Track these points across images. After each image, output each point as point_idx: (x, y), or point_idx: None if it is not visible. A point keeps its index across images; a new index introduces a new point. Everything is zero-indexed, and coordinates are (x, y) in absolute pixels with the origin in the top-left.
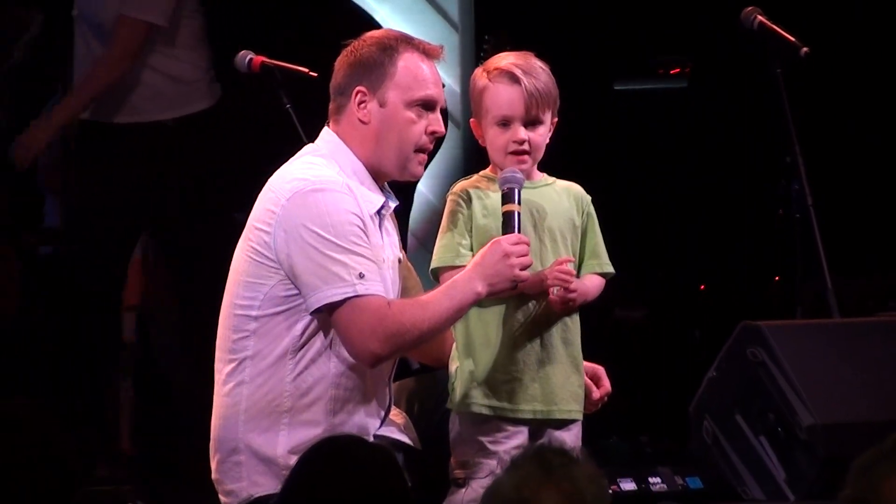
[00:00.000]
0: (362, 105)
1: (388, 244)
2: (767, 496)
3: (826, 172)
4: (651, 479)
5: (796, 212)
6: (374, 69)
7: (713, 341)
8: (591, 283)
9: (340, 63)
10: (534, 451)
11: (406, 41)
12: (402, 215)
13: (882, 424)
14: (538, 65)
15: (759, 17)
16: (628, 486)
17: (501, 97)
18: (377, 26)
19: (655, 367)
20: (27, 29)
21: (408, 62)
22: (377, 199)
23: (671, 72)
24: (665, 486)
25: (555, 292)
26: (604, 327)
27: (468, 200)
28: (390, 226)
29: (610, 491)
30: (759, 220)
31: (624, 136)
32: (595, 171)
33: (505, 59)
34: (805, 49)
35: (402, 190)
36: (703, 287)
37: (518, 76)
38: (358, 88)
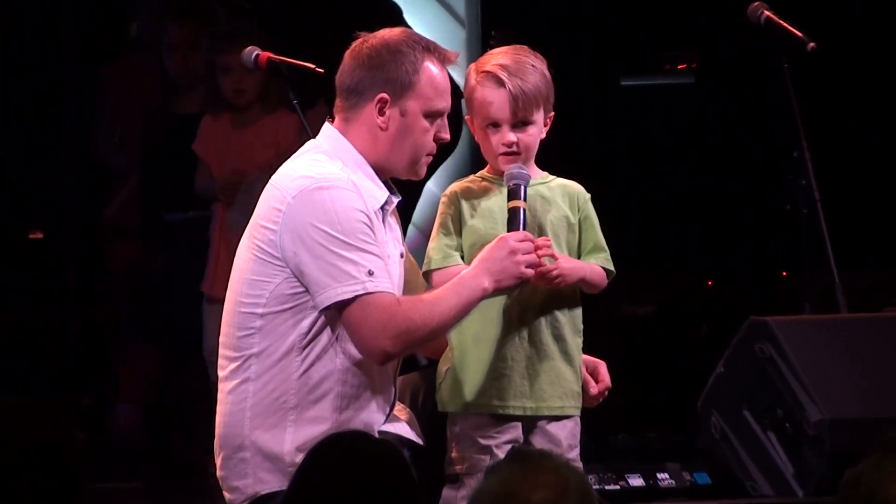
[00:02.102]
0: (382, 112)
1: (391, 239)
2: (775, 491)
3: (833, 167)
4: (659, 475)
5: (803, 207)
6: (398, 78)
7: (721, 337)
8: (584, 265)
9: (355, 61)
10: (509, 453)
11: (426, 49)
12: (405, 209)
13: (889, 420)
14: (529, 62)
15: (766, 12)
16: (636, 481)
17: (488, 100)
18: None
19: (663, 363)
20: (214, 23)
21: (429, 73)
22: (381, 194)
23: (678, 67)
24: (673, 482)
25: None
26: (611, 323)
27: (457, 202)
28: (393, 221)
29: (617, 486)
30: (767, 215)
31: (630, 131)
32: (601, 166)
33: (493, 60)
34: (812, 44)
35: (408, 185)
36: (710, 283)
37: (503, 79)
38: (380, 96)
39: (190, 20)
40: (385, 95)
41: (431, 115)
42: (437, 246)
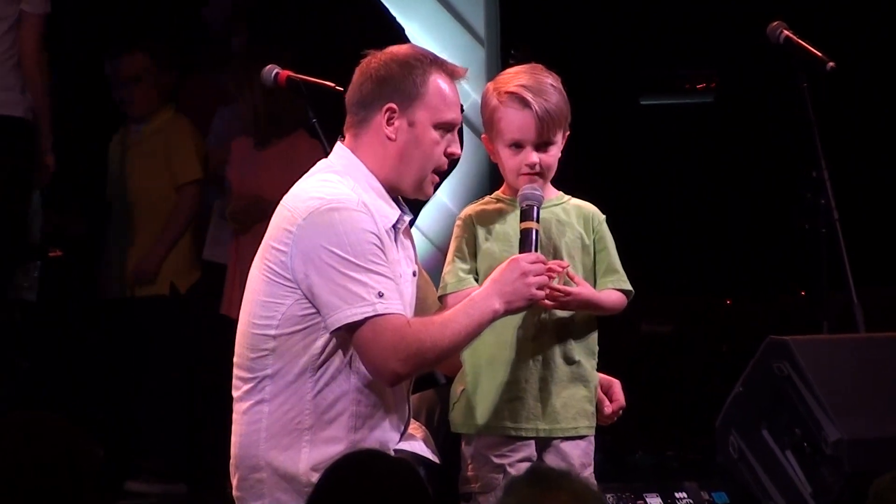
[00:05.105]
0: (391, 122)
1: (403, 258)
2: None
3: (852, 185)
4: (677, 494)
5: (822, 226)
6: (405, 88)
7: (739, 356)
8: (598, 292)
9: (364, 76)
10: (527, 472)
11: (434, 62)
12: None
13: None
14: (548, 82)
15: (786, 32)
16: (654, 500)
17: (512, 121)
18: (406, 40)
19: (682, 382)
20: None
21: (437, 83)
22: (392, 213)
23: (697, 86)
24: (691, 501)
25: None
26: (630, 341)
27: (472, 225)
28: (406, 239)
29: None
30: (786, 234)
31: (650, 150)
32: (621, 185)
33: (515, 80)
34: (831, 63)
35: (412, 202)
36: (729, 301)
37: (529, 100)
38: (388, 105)
39: None
40: (393, 105)
41: (441, 127)
42: (452, 270)
